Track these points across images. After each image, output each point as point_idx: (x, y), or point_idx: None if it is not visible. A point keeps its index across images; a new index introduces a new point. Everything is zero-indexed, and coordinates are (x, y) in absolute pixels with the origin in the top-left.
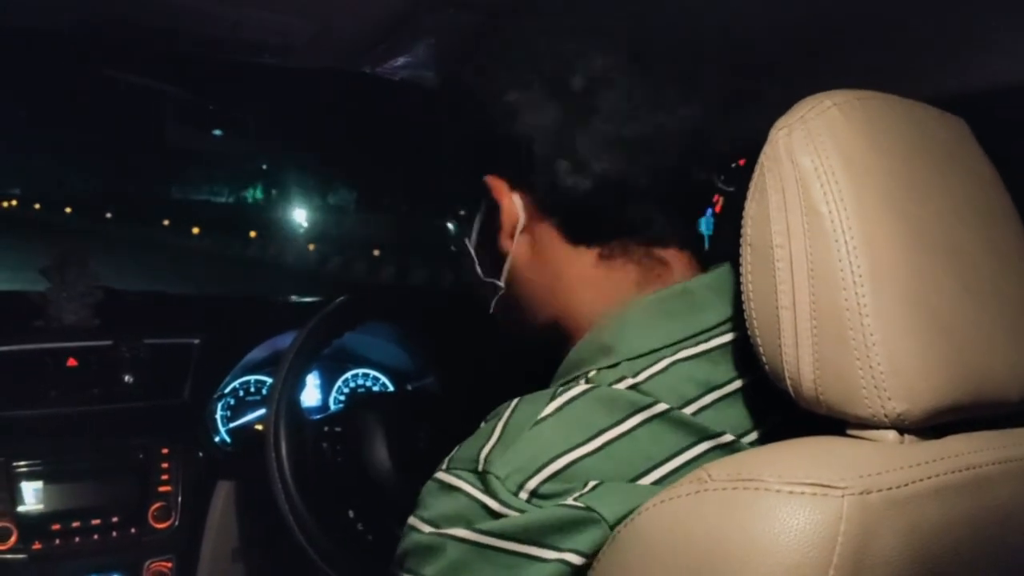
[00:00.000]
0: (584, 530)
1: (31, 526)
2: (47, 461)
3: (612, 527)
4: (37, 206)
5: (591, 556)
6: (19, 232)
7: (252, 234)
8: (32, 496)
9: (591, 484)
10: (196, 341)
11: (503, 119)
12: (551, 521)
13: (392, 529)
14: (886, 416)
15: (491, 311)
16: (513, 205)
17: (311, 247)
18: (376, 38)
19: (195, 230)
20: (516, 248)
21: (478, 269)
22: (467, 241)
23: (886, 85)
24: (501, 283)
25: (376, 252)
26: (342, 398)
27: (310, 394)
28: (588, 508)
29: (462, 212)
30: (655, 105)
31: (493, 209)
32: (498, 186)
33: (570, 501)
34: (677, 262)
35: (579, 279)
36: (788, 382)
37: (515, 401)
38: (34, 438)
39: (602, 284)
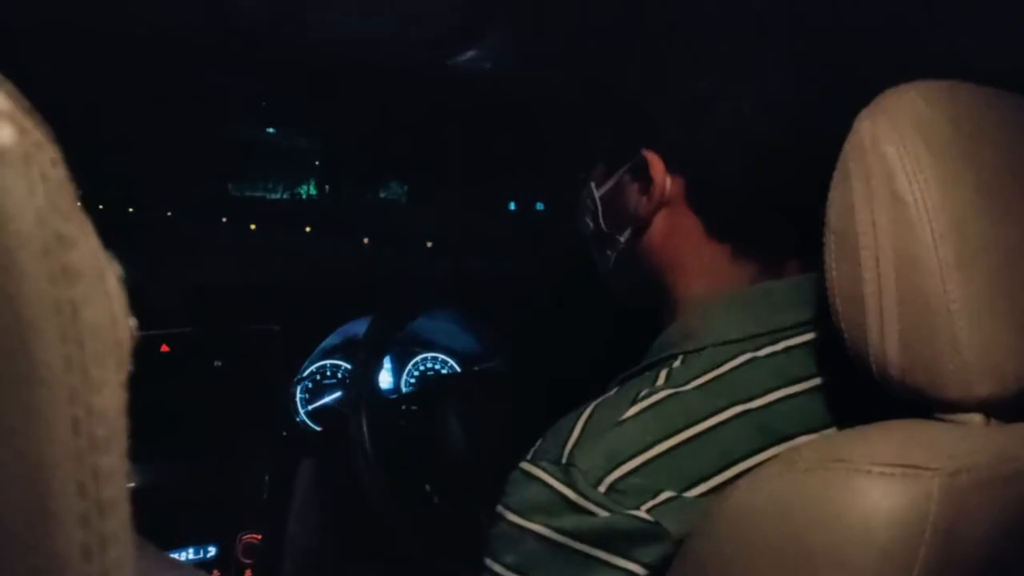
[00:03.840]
0: (650, 543)
1: (131, 501)
2: (144, 440)
3: (677, 542)
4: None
5: (654, 568)
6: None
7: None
8: (131, 473)
9: (663, 496)
10: (277, 328)
11: (681, 122)
12: (621, 529)
13: (466, 501)
14: (973, 400)
15: (609, 263)
16: (666, 184)
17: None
18: (448, 30)
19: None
20: (654, 221)
21: (600, 220)
22: (594, 187)
23: (968, 72)
24: (623, 240)
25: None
26: (413, 380)
27: (383, 378)
28: (656, 523)
29: (597, 164)
30: (799, 132)
31: (639, 178)
32: (656, 164)
33: (641, 513)
34: (792, 268)
35: (703, 268)
36: (873, 367)
37: (592, 404)
38: (131, 419)
39: (719, 276)
